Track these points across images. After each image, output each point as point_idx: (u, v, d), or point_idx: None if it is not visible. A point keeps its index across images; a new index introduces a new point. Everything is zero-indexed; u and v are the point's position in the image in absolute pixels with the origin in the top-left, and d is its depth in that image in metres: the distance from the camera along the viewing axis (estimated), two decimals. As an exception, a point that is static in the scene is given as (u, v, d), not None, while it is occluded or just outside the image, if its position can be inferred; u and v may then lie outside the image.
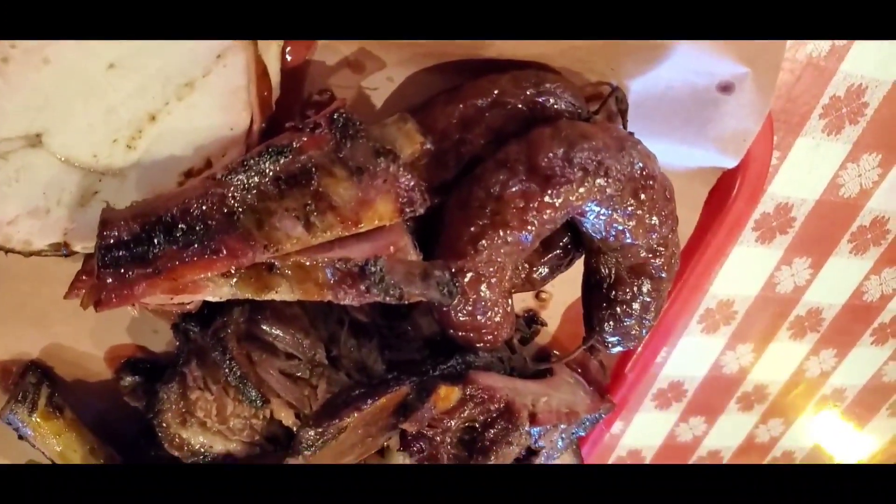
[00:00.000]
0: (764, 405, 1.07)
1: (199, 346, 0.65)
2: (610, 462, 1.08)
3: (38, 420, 0.68)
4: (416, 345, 0.69)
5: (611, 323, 0.64)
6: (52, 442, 0.69)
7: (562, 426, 0.66)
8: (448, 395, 0.60)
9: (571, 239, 0.66)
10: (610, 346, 0.65)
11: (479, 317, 0.59)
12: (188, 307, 0.62)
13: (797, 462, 1.21)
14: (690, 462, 1.11)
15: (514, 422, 0.60)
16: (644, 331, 0.64)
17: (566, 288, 0.79)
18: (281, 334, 0.64)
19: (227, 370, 0.62)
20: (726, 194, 0.73)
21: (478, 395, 0.61)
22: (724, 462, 1.14)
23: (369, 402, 0.59)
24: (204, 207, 0.53)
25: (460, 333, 0.60)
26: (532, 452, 0.65)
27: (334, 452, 0.59)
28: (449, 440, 0.62)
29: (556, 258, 0.67)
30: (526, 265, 0.66)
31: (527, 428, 0.61)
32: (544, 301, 0.79)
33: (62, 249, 0.59)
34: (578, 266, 0.74)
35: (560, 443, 0.70)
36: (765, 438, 1.12)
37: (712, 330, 0.90)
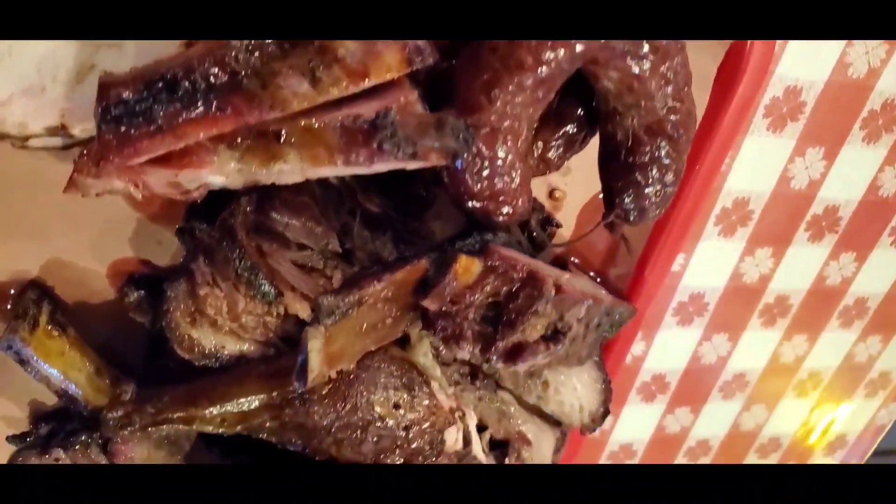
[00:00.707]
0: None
1: (207, 245, 0.63)
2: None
3: (41, 338, 0.65)
4: (430, 243, 0.67)
5: (631, 192, 0.62)
6: (55, 362, 0.66)
7: (589, 307, 0.63)
8: (469, 266, 0.58)
9: (585, 114, 0.64)
10: (632, 217, 0.63)
11: (496, 181, 0.57)
12: (193, 195, 0.59)
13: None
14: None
15: (539, 288, 0.58)
16: (666, 196, 0.62)
17: (579, 188, 0.77)
18: (292, 221, 0.61)
19: (236, 261, 0.60)
20: (735, 73, 0.72)
21: (499, 266, 0.58)
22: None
23: (388, 274, 0.56)
24: (208, 67, 0.51)
25: (477, 204, 0.58)
26: (558, 334, 0.62)
27: (355, 330, 0.56)
28: (472, 317, 0.59)
29: (570, 135, 0.65)
30: (540, 143, 0.64)
31: (553, 295, 0.58)
32: (558, 200, 0.77)
33: (59, 134, 0.56)
34: (591, 163, 0.72)
35: (588, 336, 0.68)
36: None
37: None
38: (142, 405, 0.62)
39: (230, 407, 0.61)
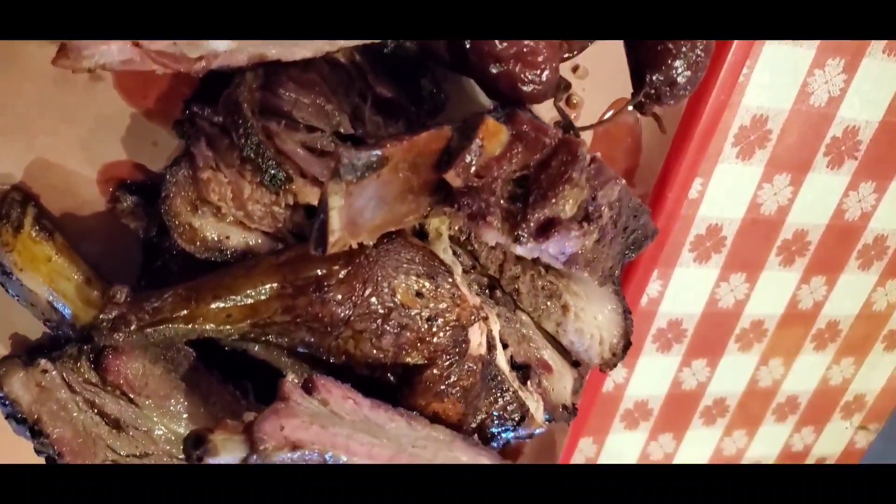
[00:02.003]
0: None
1: (209, 132, 0.58)
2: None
3: (25, 242, 0.60)
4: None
5: (660, 65, 0.59)
6: (41, 270, 0.60)
7: (621, 191, 0.59)
8: (496, 132, 0.53)
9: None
10: (663, 92, 0.59)
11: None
12: (195, 68, 0.55)
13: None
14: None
15: (573, 153, 0.54)
16: (697, 69, 0.59)
17: (597, 94, 0.74)
18: (301, 98, 0.57)
19: (242, 139, 0.55)
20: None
21: (528, 132, 0.54)
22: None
23: (410, 135, 0.52)
24: None
25: (503, 67, 0.54)
26: (590, 216, 0.58)
27: (376, 197, 0.51)
28: (499, 193, 0.55)
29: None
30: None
31: (587, 163, 0.54)
32: (575, 105, 0.73)
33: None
34: (609, 67, 0.70)
35: (615, 240, 0.64)
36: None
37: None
38: (138, 304, 0.56)
39: (237, 299, 0.55)
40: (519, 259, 0.69)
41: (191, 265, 0.59)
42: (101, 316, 0.56)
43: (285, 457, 0.51)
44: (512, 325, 0.71)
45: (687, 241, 0.88)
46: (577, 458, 1.02)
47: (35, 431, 0.57)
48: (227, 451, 0.50)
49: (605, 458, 1.04)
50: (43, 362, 0.58)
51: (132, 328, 0.56)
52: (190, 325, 0.56)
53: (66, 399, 0.58)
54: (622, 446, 1.03)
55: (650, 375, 0.99)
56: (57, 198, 0.63)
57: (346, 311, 0.55)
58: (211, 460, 0.49)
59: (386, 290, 0.55)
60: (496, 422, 0.66)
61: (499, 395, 0.65)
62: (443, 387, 0.60)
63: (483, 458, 0.61)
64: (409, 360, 0.58)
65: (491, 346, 0.63)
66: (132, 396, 0.61)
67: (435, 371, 0.58)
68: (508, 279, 0.69)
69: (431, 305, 0.57)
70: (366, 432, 0.56)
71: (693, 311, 0.95)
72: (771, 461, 1.16)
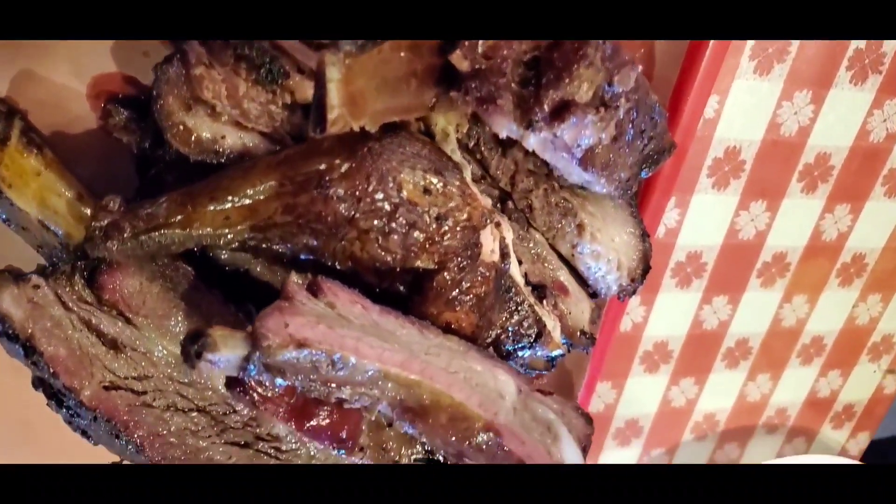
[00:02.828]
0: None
1: (200, 32, 0.55)
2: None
3: (13, 155, 0.57)
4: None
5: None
6: (30, 185, 0.58)
7: (638, 78, 0.56)
8: (503, 9, 0.50)
9: None
10: None
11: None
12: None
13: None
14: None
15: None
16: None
17: None
18: (295, -12, 0.54)
19: (235, 31, 0.52)
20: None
21: (538, 11, 0.51)
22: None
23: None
24: None
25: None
26: (605, 106, 0.54)
27: (376, 76, 0.48)
28: (509, 75, 0.51)
29: None
30: None
31: (602, 41, 0.51)
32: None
33: None
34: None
35: (633, 143, 0.60)
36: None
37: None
38: (132, 212, 0.54)
39: (235, 200, 0.52)
40: (531, 172, 0.66)
41: (186, 174, 0.56)
42: (93, 224, 0.54)
43: (291, 356, 0.48)
44: (525, 243, 0.68)
45: (705, 165, 0.85)
46: (596, 404, 0.99)
47: (28, 349, 0.54)
48: (228, 348, 0.47)
49: (625, 405, 1.00)
50: (34, 278, 0.55)
51: (126, 235, 0.53)
52: (186, 231, 0.53)
53: (60, 316, 0.55)
54: (642, 392, 1.00)
55: (669, 314, 0.95)
56: (46, 113, 0.60)
57: (350, 209, 0.52)
58: (210, 356, 0.46)
59: (391, 185, 0.52)
60: (512, 337, 0.62)
61: (514, 308, 0.62)
62: (455, 293, 0.56)
63: (500, 371, 0.58)
64: (418, 263, 0.55)
65: (504, 254, 0.59)
66: (129, 316, 0.58)
67: (446, 275, 0.55)
68: (520, 193, 0.66)
69: (440, 203, 0.54)
70: (376, 336, 0.53)
71: (712, 243, 0.92)
72: (797, 408, 1.12)
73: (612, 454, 1.05)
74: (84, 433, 0.62)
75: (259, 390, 0.53)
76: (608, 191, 0.64)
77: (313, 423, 0.56)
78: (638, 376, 0.98)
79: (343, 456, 0.60)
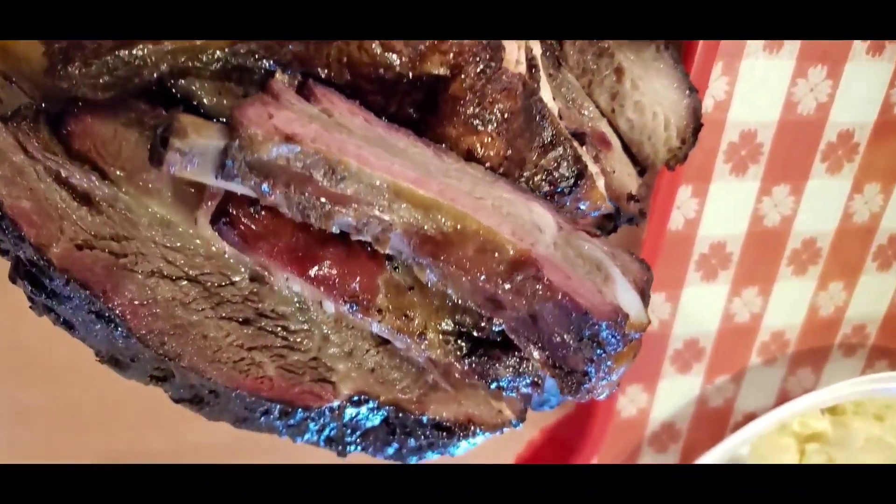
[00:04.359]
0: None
1: None
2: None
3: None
4: None
5: None
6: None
7: None
8: None
9: None
10: None
11: None
12: None
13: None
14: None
15: None
16: None
17: None
18: None
19: None
20: None
21: None
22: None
23: None
24: None
25: None
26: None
27: None
28: None
29: None
30: None
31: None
32: None
33: None
34: None
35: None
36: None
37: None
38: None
39: None
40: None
41: None
42: (54, 49, 0.46)
43: (280, 152, 0.40)
44: (556, 82, 0.59)
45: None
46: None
47: (-16, 200, 0.47)
48: (202, 136, 0.39)
49: (682, 320, 0.90)
50: (-9, 122, 0.48)
51: (87, 53, 0.46)
52: (158, 48, 0.46)
53: (23, 163, 0.48)
54: (700, 303, 0.89)
55: (726, 207, 0.85)
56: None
57: (343, -5, 0.44)
58: (179, 145, 0.38)
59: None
60: (546, 177, 0.53)
61: (548, 142, 0.53)
62: (475, 108, 0.48)
63: (535, 204, 0.49)
64: (428, 67, 0.46)
65: (533, 67, 0.51)
66: (104, 168, 0.50)
67: (464, 81, 0.47)
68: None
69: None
70: (382, 148, 0.44)
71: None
72: (877, 323, 1.00)
73: (672, 382, 0.94)
74: (67, 324, 0.55)
75: (247, 222, 0.45)
76: None
77: (318, 269, 0.47)
78: (695, 285, 0.88)
79: (360, 320, 0.51)
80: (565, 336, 0.48)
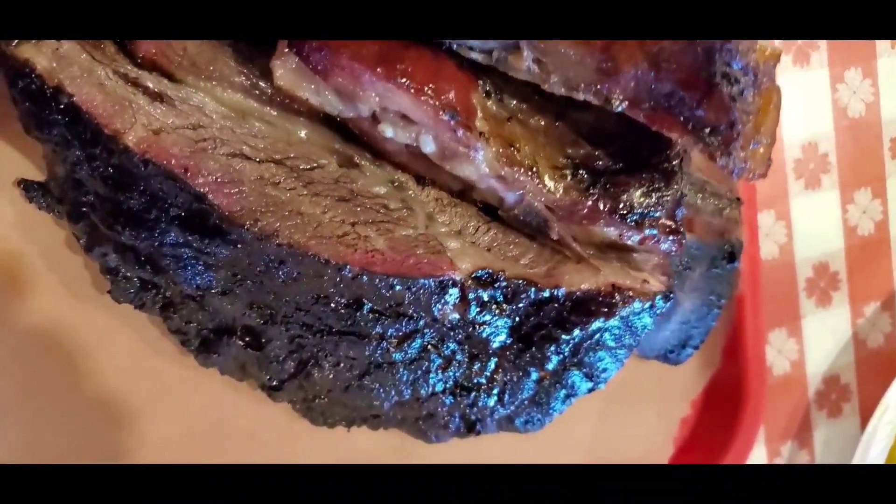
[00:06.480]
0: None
1: None
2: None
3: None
4: None
5: None
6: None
7: None
8: None
9: None
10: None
11: None
12: None
13: None
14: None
15: None
16: None
17: None
18: None
19: None
20: None
21: None
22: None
23: None
24: None
25: None
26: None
27: None
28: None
29: None
30: None
31: None
32: None
33: None
34: None
35: None
36: None
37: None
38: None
39: None
40: None
41: None
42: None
43: None
44: None
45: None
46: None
47: (56, 99, 0.45)
48: None
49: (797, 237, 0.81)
50: (55, 42, 0.47)
51: None
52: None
53: (92, 66, 0.47)
54: (806, 212, 0.81)
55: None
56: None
57: None
58: None
59: None
60: None
61: None
62: None
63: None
64: None
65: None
66: (171, 70, 0.49)
67: None
68: None
69: None
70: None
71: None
72: None
73: (814, 320, 0.83)
74: (152, 264, 0.49)
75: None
76: None
77: (407, 69, 0.43)
78: (799, 196, 0.80)
79: (462, 136, 0.45)
80: (700, 74, 0.42)
